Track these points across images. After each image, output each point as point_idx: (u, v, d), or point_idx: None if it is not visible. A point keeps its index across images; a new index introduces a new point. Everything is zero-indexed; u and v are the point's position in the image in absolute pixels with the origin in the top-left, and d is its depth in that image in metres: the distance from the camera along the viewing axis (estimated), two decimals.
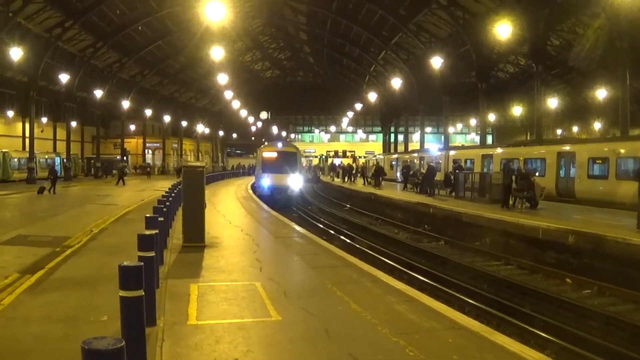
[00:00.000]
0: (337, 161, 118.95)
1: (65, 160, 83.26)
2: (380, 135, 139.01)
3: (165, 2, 75.21)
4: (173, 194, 27.88)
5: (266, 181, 54.80)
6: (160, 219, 17.06)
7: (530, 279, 23.71)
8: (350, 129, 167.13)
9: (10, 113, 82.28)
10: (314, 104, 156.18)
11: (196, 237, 20.94)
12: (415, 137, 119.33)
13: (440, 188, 50.77)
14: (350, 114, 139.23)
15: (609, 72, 73.24)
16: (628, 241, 22.64)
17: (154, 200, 30.24)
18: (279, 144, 60.60)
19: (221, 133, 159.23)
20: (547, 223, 27.83)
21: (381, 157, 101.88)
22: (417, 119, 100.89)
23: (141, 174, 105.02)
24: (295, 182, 55.58)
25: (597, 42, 59.82)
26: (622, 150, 38.75)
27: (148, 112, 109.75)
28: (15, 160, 74.01)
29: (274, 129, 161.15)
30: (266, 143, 71.66)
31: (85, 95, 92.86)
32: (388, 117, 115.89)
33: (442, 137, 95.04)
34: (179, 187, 27.84)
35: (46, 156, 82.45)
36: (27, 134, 73.76)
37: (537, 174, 43.05)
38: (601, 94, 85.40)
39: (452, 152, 66.79)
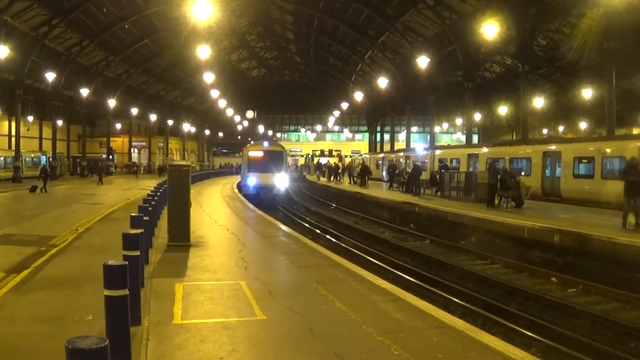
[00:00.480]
0: (323, 160, 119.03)
1: (51, 159, 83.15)
2: (367, 135, 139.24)
3: (152, 0, 75.10)
4: (159, 193, 27.85)
5: (252, 180, 54.71)
6: (146, 218, 17.10)
7: (515, 277, 23.74)
8: (336, 128, 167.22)
9: None
10: (300, 103, 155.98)
11: (181, 236, 20.91)
12: (402, 136, 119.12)
13: (426, 187, 50.88)
14: (337, 113, 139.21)
15: (595, 72, 73.47)
16: (613, 240, 22.73)
17: (139, 200, 30.18)
18: (265, 143, 60.35)
19: (207, 132, 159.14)
20: (532, 222, 27.93)
21: (367, 156, 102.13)
22: (404, 119, 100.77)
23: (127, 172, 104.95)
24: (281, 181, 55.56)
25: (584, 42, 59.95)
26: (608, 150, 38.89)
27: (134, 111, 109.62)
28: (1, 158, 74.08)
29: (260, 128, 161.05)
30: (252, 142, 71.49)
31: (72, 93, 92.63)
32: (374, 117, 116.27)
33: (428, 136, 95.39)
34: (165, 186, 27.81)
35: (32, 155, 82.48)
36: (13, 133, 73.72)
37: (522, 173, 43.15)
38: (587, 93, 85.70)
39: (438, 152, 66.95)
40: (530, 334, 15.93)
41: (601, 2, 46.07)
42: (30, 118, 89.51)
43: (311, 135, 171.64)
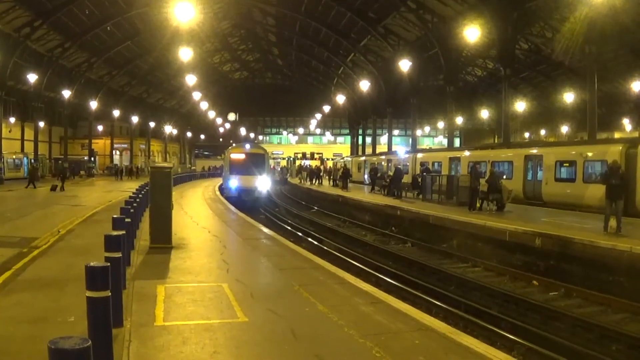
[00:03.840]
0: (305, 163, 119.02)
1: (32, 160, 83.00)
2: (348, 138, 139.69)
3: (135, 2, 74.90)
4: (140, 195, 27.78)
5: (234, 183, 54.64)
6: (127, 220, 17.01)
7: (497, 281, 23.81)
8: (318, 131, 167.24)
9: None
10: (282, 105, 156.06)
11: (163, 239, 20.83)
12: (383, 139, 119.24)
13: (408, 190, 50.88)
14: (319, 116, 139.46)
15: (577, 75, 73.82)
16: (595, 244, 22.80)
17: (121, 202, 30.13)
18: (247, 146, 60.24)
19: (189, 134, 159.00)
20: (514, 225, 27.99)
21: (349, 159, 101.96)
22: (385, 122, 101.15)
23: (108, 175, 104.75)
24: (263, 183, 55.51)
25: (567, 45, 60.11)
26: (590, 154, 38.97)
27: (116, 113, 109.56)
28: None
29: (242, 131, 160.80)
30: (234, 144, 71.31)
31: (54, 95, 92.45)
32: (356, 120, 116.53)
33: (410, 139, 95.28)
34: (147, 188, 27.71)
35: (14, 156, 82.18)
36: None
37: (504, 176, 43.22)
38: (569, 97, 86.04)
39: (419, 155, 66.80)
40: (512, 337, 15.97)
41: (583, 5, 46.20)
42: (12, 119, 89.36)
43: (293, 138, 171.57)
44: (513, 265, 26.14)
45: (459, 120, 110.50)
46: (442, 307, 19.00)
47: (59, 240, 22.95)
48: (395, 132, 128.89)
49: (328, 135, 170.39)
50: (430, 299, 19.90)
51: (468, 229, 31.19)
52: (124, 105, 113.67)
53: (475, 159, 50.23)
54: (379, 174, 61.27)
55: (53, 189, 54.96)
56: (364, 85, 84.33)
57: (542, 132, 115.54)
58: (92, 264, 7.58)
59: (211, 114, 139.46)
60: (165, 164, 25.52)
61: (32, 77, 73.48)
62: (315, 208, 55.98)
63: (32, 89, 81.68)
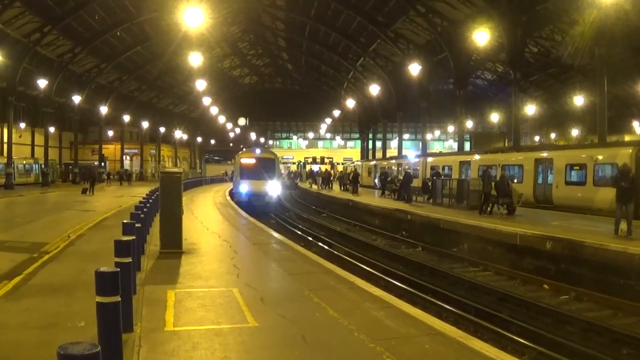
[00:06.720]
0: (315, 167, 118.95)
1: (43, 166, 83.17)
2: (359, 142, 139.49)
3: (144, 8, 74.88)
4: (150, 200, 27.79)
5: (244, 187, 54.64)
6: (138, 225, 17.02)
7: (507, 285, 23.73)
8: (328, 135, 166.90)
9: None
10: (292, 110, 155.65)
11: (173, 244, 20.82)
12: (393, 143, 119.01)
13: (418, 194, 50.80)
14: (329, 120, 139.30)
15: (587, 78, 73.64)
16: (605, 247, 22.72)
17: (131, 207, 30.14)
18: (257, 150, 60.21)
19: (199, 139, 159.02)
20: (524, 229, 27.90)
21: (359, 163, 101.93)
22: (395, 126, 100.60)
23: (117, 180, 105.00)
24: (274, 188, 55.47)
25: (576, 48, 59.99)
26: (600, 157, 38.84)
27: (126, 118, 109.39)
28: None
29: (252, 135, 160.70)
30: (244, 149, 71.26)
31: (64, 100, 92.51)
32: (366, 124, 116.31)
33: (420, 143, 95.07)
34: (157, 193, 27.71)
35: (24, 162, 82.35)
36: (5, 140, 73.57)
37: (514, 180, 43.14)
38: (579, 100, 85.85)
39: (429, 159, 66.74)
40: (523, 341, 15.92)
41: (593, 8, 46.09)
42: (23, 125, 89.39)
43: (303, 143, 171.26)
44: (524, 268, 26.06)
45: (469, 123, 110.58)
46: (452, 311, 18.96)
47: (69, 246, 23.01)
48: (406, 136, 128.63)
49: (338, 140, 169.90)
50: (441, 303, 19.85)
51: (478, 233, 31.13)
52: (134, 110, 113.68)
53: (485, 163, 50.23)
54: (389, 178, 61.14)
55: (84, 191, 59.97)
56: (374, 89, 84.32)
57: (553, 135, 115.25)
58: (102, 269, 7.61)
59: (221, 119, 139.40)
60: (176, 169, 25.56)
61: (42, 83, 73.53)
62: (326, 212, 55.92)
63: (42, 94, 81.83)
